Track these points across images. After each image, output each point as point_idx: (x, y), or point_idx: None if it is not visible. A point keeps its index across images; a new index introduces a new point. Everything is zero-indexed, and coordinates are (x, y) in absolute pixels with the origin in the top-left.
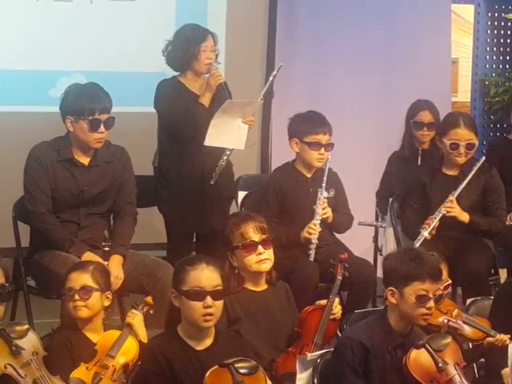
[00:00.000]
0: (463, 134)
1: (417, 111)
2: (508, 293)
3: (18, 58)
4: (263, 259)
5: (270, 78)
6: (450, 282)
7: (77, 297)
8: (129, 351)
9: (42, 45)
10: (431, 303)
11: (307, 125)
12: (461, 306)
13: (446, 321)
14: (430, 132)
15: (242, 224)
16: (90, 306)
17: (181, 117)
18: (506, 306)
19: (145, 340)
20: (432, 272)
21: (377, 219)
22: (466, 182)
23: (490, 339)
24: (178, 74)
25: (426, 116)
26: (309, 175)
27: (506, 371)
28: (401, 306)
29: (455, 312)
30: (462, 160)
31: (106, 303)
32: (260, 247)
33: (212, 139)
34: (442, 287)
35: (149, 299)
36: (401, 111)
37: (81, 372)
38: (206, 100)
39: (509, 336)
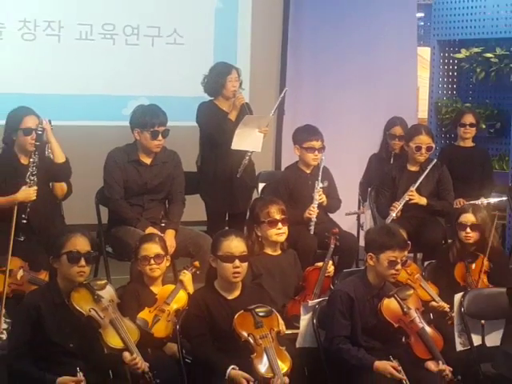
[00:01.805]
0: (424, 139)
1: (391, 125)
2: (441, 256)
3: (101, 86)
4: (281, 233)
5: (279, 99)
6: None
7: (152, 261)
8: (180, 300)
9: (117, 76)
10: (399, 266)
11: (304, 135)
12: (421, 267)
13: (407, 280)
14: (400, 142)
15: (268, 205)
16: (161, 267)
17: (215, 129)
18: (441, 264)
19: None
20: (400, 243)
21: (359, 205)
22: (423, 177)
23: (433, 303)
24: (212, 98)
25: (398, 130)
26: (308, 171)
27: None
28: (377, 267)
29: (416, 276)
30: (423, 159)
31: (168, 264)
32: (280, 224)
33: (237, 144)
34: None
35: (197, 263)
36: (380, 123)
37: (145, 314)
38: (233, 116)
39: (448, 306)
